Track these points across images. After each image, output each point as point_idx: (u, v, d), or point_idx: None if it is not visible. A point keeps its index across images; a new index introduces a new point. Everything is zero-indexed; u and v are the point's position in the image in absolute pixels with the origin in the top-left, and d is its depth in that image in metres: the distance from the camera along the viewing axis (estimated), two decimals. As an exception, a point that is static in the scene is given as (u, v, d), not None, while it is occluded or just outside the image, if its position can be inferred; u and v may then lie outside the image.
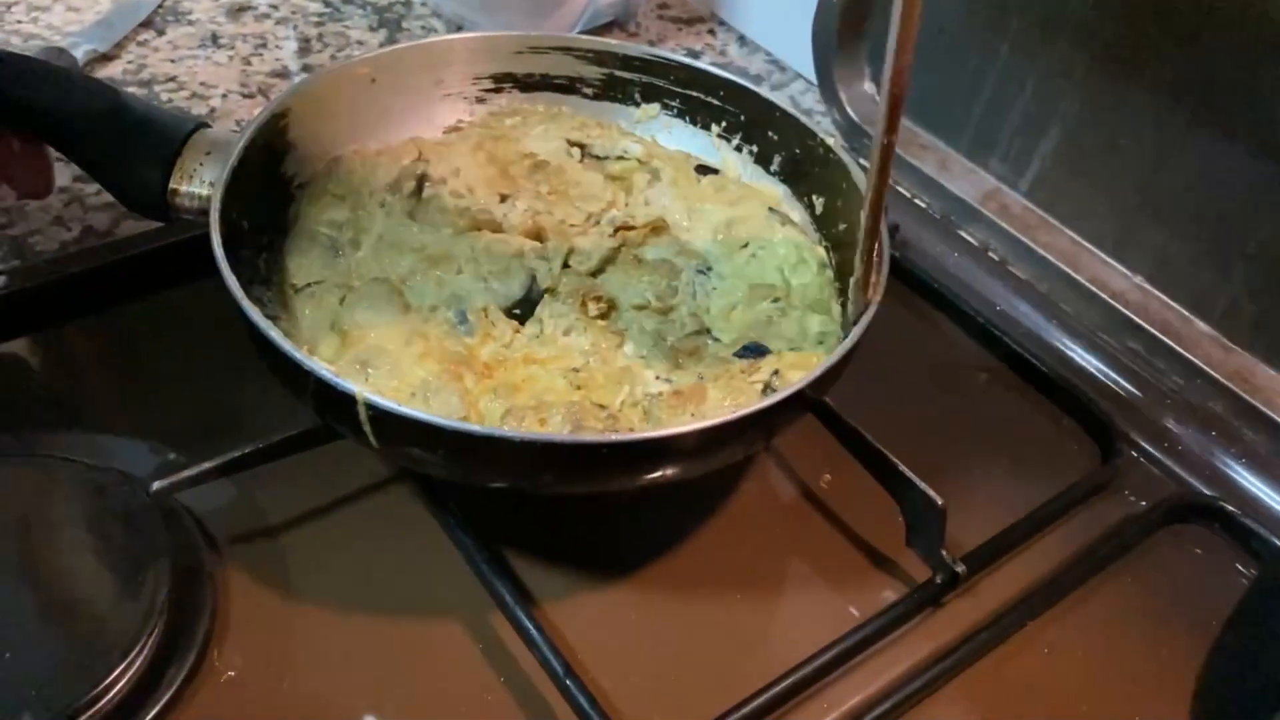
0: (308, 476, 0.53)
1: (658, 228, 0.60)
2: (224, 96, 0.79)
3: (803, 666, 0.48)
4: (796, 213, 0.63)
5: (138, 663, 0.44)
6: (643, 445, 0.46)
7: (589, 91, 0.67)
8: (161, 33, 0.85)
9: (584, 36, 0.67)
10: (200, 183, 0.53)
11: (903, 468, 0.52)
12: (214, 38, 0.85)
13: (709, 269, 0.59)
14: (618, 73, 0.67)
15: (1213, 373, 0.66)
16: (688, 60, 0.66)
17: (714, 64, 0.67)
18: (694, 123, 0.67)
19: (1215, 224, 0.65)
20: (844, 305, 0.57)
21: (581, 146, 0.66)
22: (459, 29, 0.91)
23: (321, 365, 0.45)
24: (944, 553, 0.52)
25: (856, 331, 0.50)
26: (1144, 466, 0.62)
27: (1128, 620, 0.54)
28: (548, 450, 0.44)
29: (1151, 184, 0.68)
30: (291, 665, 0.47)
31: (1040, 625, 0.53)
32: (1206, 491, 0.61)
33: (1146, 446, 0.63)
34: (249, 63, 0.83)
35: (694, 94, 0.66)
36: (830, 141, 0.61)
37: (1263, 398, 0.64)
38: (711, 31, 0.96)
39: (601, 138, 0.66)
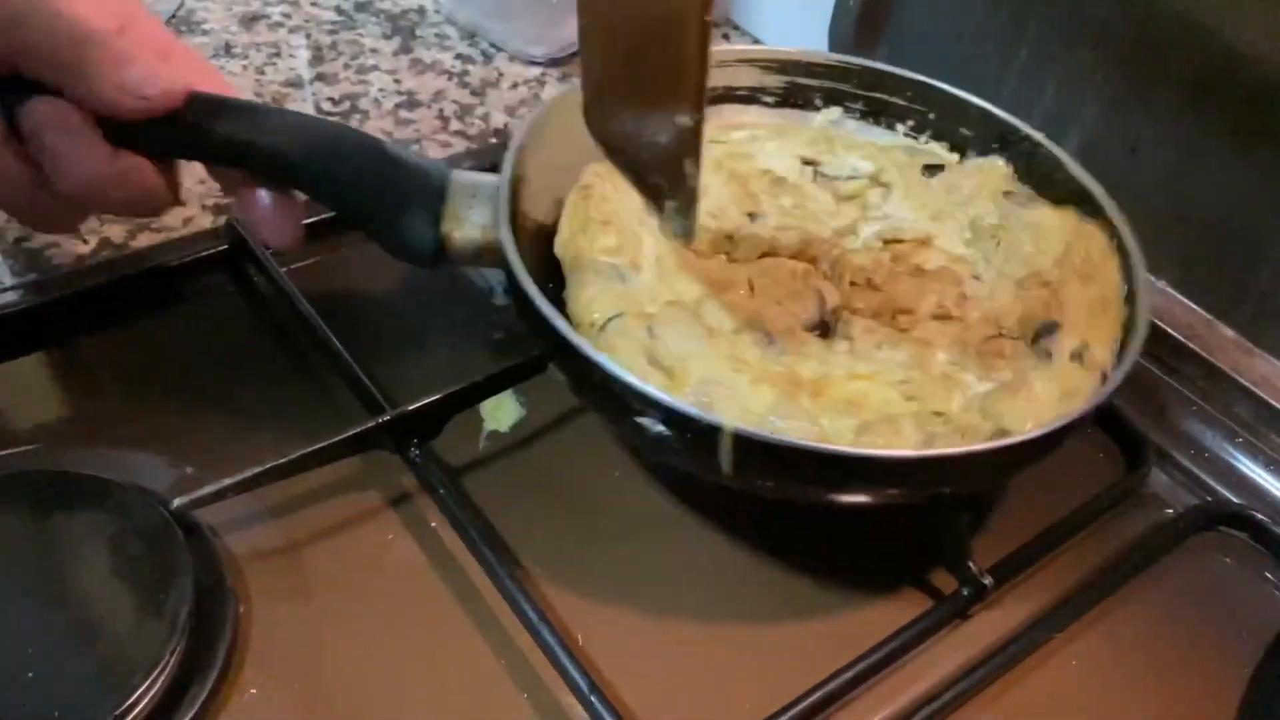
0: (329, 492, 0.53)
1: (924, 240, 0.60)
2: (239, 106, 0.79)
3: (828, 682, 0.47)
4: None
5: (160, 681, 0.43)
6: (1023, 445, 0.47)
7: (770, 100, 0.68)
8: (175, 43, 0.85)
9: (767, 48, 0.68)
10: (473, 226, 0.52)
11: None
12: (228, 47, 0.85)
13: (977, 275, 0.59)
14: (800, 80, 0.67)
15: (1239, 378, 0.65)
16: (873, 64, 0.66)
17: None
18: (877, 123, 0.67)
19: (1239, 228, 0.65)
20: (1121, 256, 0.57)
21: (813, 164, 0.65)
22: (472, 36, 0.90)
23: (687, 404, 0.45)
24: (971, 565, 0.51)
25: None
26: (1171, 474, 0.61)
27: (1158, 631, 0.54)
28: (926, 465, 0.45)
29: (1174, 188, 0.67)
30: (314, 682, 0.47)
31: (1068, 637, 0.52)
32: (1234, 499, 0.60)
33: (1173, 454, 0.62)
34: (263, 72, 0.83)
35: (878, 95, 0.66)
36: (1038, 136, 0.61)
37: (1274, 392, 0.63)
38: (726, 36, 0.96)
39: (830, 153, 0.65)
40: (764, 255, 0.59)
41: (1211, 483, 0.61)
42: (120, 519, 0.48)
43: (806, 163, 0.65)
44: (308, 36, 0.88)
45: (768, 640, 0.51)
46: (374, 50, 0.87)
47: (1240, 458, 0.62)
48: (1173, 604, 0.55)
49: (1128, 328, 0.54)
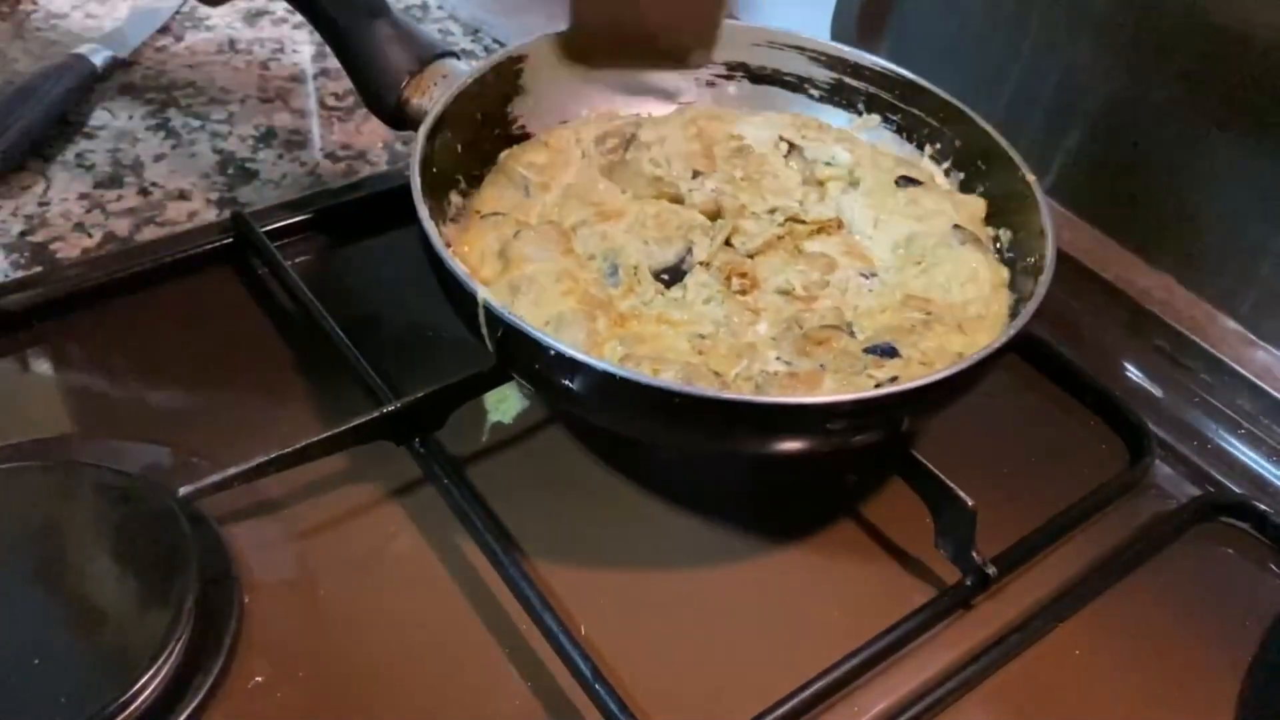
0: (334, 482, 0.53)
1: (826, 228, 0.60)
2: (242, 101, 0.79)
3: (832, 670, 0.47)
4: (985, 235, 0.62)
5: (165, 669, 0.44)
6: (714, 404, 0.46)
7: (815, 93, 0.68)
8: (180, 39, 0.85)
9: (820, 40, 0.68)
10: (431, 99, 0.59)
11: (932, 468, 0.51)
12: (231, 43, 0.86)
13: (873, 274, 0.58)
14: (847, 79, 0.67)
15: (1240, 369, 0.65)
16: (914, 77, 0.66)
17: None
18: (910, 140, 0.67)
19: (1240, 220, 0.65)
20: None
21: (791, 145, 0.65)
22: (475, 31, 0.90)
23: (458, 265, 0.49)
24: (974, 555, 0.51)
25: (978, 355, 0.49)
26: (1173, 465, 0.61)
27: (1160, 621, 0.54)
28: (628, 389, 0.46)
29: (1175, 181, 0.67)
30: (319, 670, 0.47)
31: (1071, 627, 0.53)
32: (1236, 490, 0.60)
33: (1175, 445, 0.62)
34: (266, 67, 0.83)
35: (915, 111, 0.66)
36: (1030, 179, 0.59)
37: (1275, 382, 0.64)
38: (728, 31, 0.96)
39: (817, 140, 0.65)
40: (673, 200, 0.60)
41: (1214, 473, 0.61)
42: (126, 508, 0.48)
43: (786, 141, 0.65)
44: (310, 33, 0.88)
45: (771, 628, 0.52)
46: (377, 46, 0.87)
47: (1242, 448, 0.62)
48: (1175, 593, 0.55)
49: None
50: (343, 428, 0.52)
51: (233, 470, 0.49)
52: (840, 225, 0.60)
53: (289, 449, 0.50)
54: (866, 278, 0.58)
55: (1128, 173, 0.69)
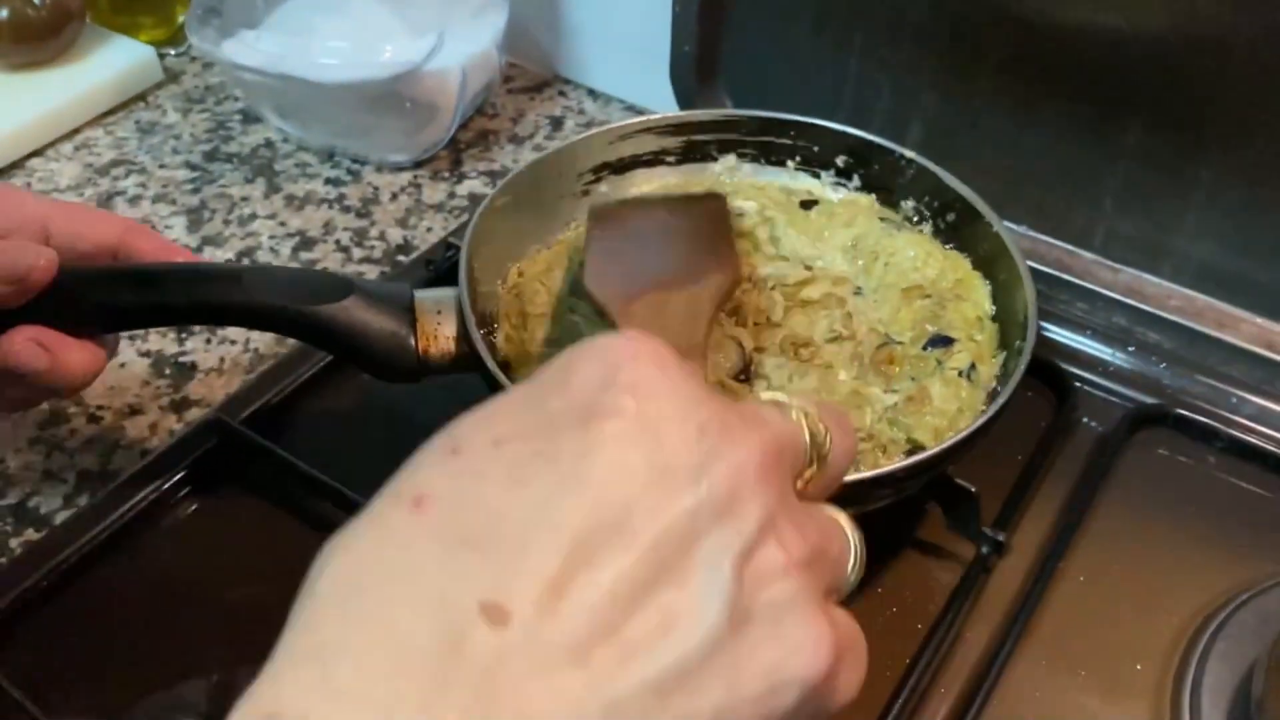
0: None
1: (805, 280, 0.66)
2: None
3: (916, 665, 0.55)
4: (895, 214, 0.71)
5: None
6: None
7: (671, 160, 0.74)
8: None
9: (661, 115, 0.74)
10: (445, 340, 0.58)
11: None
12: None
13: (859, 290, 0.66)
14: (695, 137, 0.73)
15: (1110, 294, 0.76)
16: (757, 112, 0.73)
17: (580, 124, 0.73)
18: (769, 163, 0.74)
19: (1078, 167, 0.75)
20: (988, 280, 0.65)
21: None
22: (330, 156, 0.92)
23: None
24: (985, 529, 0.60)
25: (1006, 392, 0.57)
26: (1092, 394, 0.72)
27: (1137, 529, 0.64)
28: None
29: (1016, 147, 0.77)
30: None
31: (1069, 562, 0.62)
32: (1150, 401, 0.71)
33: (1088, 375, 0.72)
34: (147, 252, 0.83)
35: (766, 139, 0.73)
36: (910, 154, 0.69)
37: (1139, 297, 0.75)
38: (562, 93, 1.00)
39: None
40: None
41: (1126, 391, 0.72)
42: None
43: None
44: (173, 202, 0.87)
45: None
46: (245, 198, 0.88)
47: (1136, 362, 0.73)
48: (1134, 498, 0.65)
49: (1005, 344, 0.62)
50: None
51: None
52: (810, 275, 0.67)
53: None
54: (858, 294, 0.66)
55: (973, 151, 0.79)
